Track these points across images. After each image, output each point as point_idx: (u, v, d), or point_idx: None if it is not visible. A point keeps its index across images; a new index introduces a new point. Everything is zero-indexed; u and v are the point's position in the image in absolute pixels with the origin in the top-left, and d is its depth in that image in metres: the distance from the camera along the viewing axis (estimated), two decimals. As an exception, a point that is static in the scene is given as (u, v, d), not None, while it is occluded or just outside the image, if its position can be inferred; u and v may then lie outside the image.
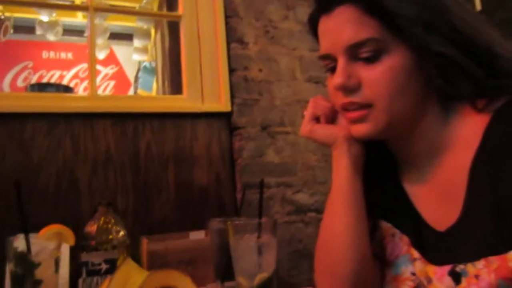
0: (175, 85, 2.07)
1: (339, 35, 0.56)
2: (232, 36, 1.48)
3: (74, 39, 3.23)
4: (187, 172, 1.36)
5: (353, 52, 0.55)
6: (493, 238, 0.49)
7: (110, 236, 0.97)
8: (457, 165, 0.55)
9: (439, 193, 0.58)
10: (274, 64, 1.52)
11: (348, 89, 0.56)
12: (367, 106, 0.55)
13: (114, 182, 1.27)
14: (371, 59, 0.54)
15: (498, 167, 0.49)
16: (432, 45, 0.52)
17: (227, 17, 1.49)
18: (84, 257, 0.91)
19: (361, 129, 0.57)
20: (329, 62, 0.60)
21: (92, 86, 1.37)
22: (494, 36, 0.56)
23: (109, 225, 0.99)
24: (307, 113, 0.67)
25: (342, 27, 0.56)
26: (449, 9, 0.55)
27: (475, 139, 0.53)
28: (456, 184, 0.54)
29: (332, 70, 0.59)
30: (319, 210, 1.47)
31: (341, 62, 0.56)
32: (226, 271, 0.74)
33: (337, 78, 0.56)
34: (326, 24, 0.59)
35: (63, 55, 3.41)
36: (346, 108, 0.58)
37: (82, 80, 3.41)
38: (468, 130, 0.55)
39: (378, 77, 0.54)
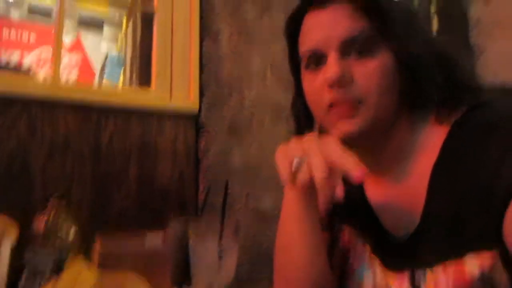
0: (143, 78, 2.01)
1: (334, 29, 0.56)
2: (206, 33, 1.45)
3: (39, 20, 3.07)
4: (150, 168, 1.32)
5: (346, 47, 0.55)
6: (451, 244, 0.50)
7: (60, 233, 0.91)
8: (419, 173, 0.56)
9: (401, 201, 0.59)
10: (246, 64, 1.51)
11: (342, 82, 0.54)
12: (358, 102, 0.55)
13: (71, 170, 1.20)
14: (364, 54, 0.55)
15: (455, 175, 0.51)
16: (410, 47, 0.55)
17: (202, 13, 1.46)
18: (28, 255, 0.81)
19: (350, 125, 0.56)
20: (314, 57, 0.58)
21: (56, 72, 1.30)
22: (456, 53, 0.60)
23: (60, 220, 0.93)
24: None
25: (338, 22, 0.56)
26: (419, 21, 0.60)
27: (436, 148, 0.55)
28: (417, 191, 0.56)
29: (316, 65, 0.58)
30: (282, 215, 1.46)
31: (334, 56, 0.55)
32: (184, 276, 0.71)
33: (333, 71, 0.54)
34: (319, 18, 0.58)
35: (25, 36, 3.23)
36: (334, 105, 0.56)
37: (43, 64, 3.24)
38: (431, 139, 0.57)
39: (371, 73, 0.54)
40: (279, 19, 1.60)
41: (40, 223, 0.90)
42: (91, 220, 1.19)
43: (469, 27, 2.98)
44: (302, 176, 0.50)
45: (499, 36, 2.76)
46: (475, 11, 2.93)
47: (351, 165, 0.46)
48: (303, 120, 0.68)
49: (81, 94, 1.29)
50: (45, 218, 0.91)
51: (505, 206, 0.44)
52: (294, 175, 0.50)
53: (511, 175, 0.44)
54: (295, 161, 0.50)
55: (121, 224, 1.23)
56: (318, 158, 0.48)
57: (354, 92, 0.55)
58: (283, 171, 0.51)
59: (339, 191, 0.70)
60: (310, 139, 0.52)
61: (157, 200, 1.31)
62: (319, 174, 0.47)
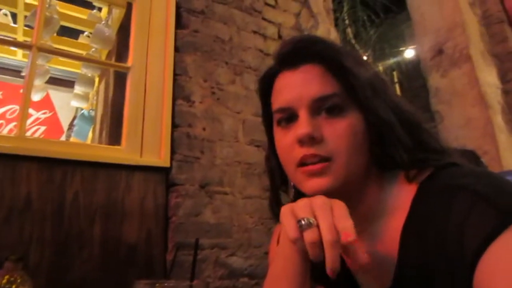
0: (113, 136, 2.00)
1: (305, 89, 0.59)
2: (179, 93, 1.49)
3: (7, 78, 3.05)
4: (116, 227, 1.26)
5: (317, 106, 0.58)
6: None
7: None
8: (390, 233, 0.57)
9: (375, 259, 0.59)
10: (218, 124, 1.54)
11: (312, 140, 0.56)
12: (327, 159, 0.56)
13: (29, 233, 1.13)
14: (334, 114, 0.58)
15: (424, 235, 0.52)
16: (378, 110, 0.57)
17: (176, 74, 1.51)
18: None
19: (321, 183, 0.57)
20: (285, 115, 0.61)
21: (21, 127, 1.28)
22: (420, 115, 0.63)
23: (15, 286, 0.86)
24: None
25: (309, 82, 0.59)
26: (388, 86, 0.62)
27: (405, 207, 0.56)
28: (389, 250, 0.56)
29: (287, 122, 0.61)
30: (253, 275, 1.42)
31: (305, 114, 0.58)
32: None
33: (304, 128, 0.56)
34: (291, 78, 0.61)
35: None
36: (304, 162, 0.58)
37: (8, 121, 3.17)
38: (400, 199, 0.58)
39: (340, 132, 0.57)
40: (250, 83, 1.68)
41: (-6, 286, 0.83)
42: (49, 285, 1.11)
43: (429, 96, 3.23)
44: (310, 236, 0.49)
45: (457, 104, 3.00)
46: (434, 82, 3.20)
47: (351, 229, 0.47)
48: (277, 176, 0.68)
49: (46, 148, 1.26)
50: None
51: (473, 268, 0.45)
52: (300, 233, 0.50)
53: (474, 237, 0.46)
54: (304, 220, 0.50)
55: (81, 289, 1.15)
56: (329, 221, 0.48)
57: (324, 150, 0.56)
58: (290, 228, 0.50)
59: None
60: (321, 201, 0.51)
61: (122, 261, 1.25)
62: (329, 237, 0.47)
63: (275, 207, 0.70)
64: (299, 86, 0.60)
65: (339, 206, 0.51)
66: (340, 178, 0.57)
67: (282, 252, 0.57)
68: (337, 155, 0.56)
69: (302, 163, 0.58)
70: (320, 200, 0.51)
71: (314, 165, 0.57)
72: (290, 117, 0.60)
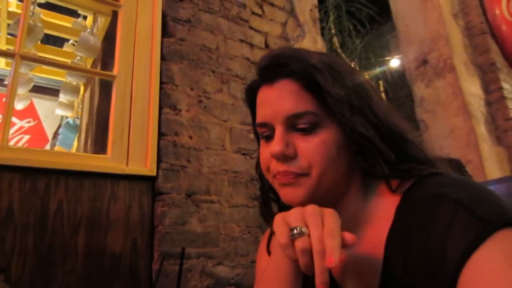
0: (98, 145, 1.98)
1: (280, 105, 0.59)
2: (166, 102, 1.49)
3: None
4: (101, 237, 1.24)
5: (291, 122, 0.59)
6: None
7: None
8: (374, 241, 0.58)
9: (360, 269, 0.59)
10: (204, 133, 1.54)
11: (285, 157, 0.58)
12: (302, 175, 0.58)
13: (11, 244, 1.11)
14: (308, 131, 0.58)
15: (408, 245, 0.53)
16: (356, 125, 0.57)
17: (162, 83, 1.50)
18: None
19: (292, 193, 0.59)
20: (266, 130, 0.62)
21: (4, 137, 1.25)
22: (405, 125, 0.64)
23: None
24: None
25: (284, 98, 0.59)
26: (371, 98, 0.61)
27: (389, 218, 0.57)
28: (373, 259, 0.57)
29: (267, 137, 0.62)
30: (239, 285, 1.41)
31: (280, 131, 0.59)
32: None
33: (276, 146, 0.58)
34: (268, 94, 0.62)
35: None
36: (277, 175, 0.60)
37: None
38: (384, 208, 0.59)
39: (313, 148, 0.57)
40: (237, 92, 1.69)
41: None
42: (30, 297, 1.08)
43: (414, 105, 3.29)
44: (301, 244, 0.49)
45: (441, 114, 3.05)
46: (419, 91, 3.26)
47: (336, 252, 0.47)
48: (266, 181, 0.70)
49: (29, 157, 1.24)
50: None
51: (455, 278, 0.45)
52: (292, 242, 0.50)
53: (456, 247, 0.46)
54: (296, 229, 0.50)
55: (64, 301, 1.12)
56: (319, 232, 0.49)
57: (296, 167, 0.58)
58: (281, 236, 0.51)
59: None
60: (312, 210, 0.52)
61: (107, 272, 1.22)
62: (319, 248, 0.48)
63: (265, 211, 0.72)
64: (274, 102, 0.60)
65: (330, 217, 0.51)
66: (313, 190, 0.58)
67: (274, 261, 0.58)
68: (311, 169, 0.58)
69: (276, 175, 0.61)
70: (311, 209, 0.52)
71: (287, 178, 0.59)
72: (269, 131, 0.62)
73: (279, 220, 0.53)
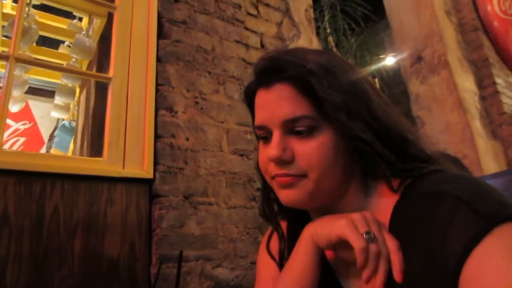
0: (94, 147, 1.96)
1: (277, 109, 0.59)
2: (162, 104, 1.48)
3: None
4: (98, 241, 1.23)
5: (288, 126, 0.59)
6: None
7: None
8: None
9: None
10: (201, 134, 1.53)
11: (282, 161, 0.58)
12: (301, 177, 0.58)
13: (6, 249, 1.10)
14: (305, 134, 0.58)
15: (406, 243, 0.53)
16: (354, 130, 0.57)
17: (158, 84, 1.50)
18: None
19: (290, 194, 0.59)
20: (264, 132, 0.63)
21: (-2, 140, 1.24)
22: (405, 123, 0.64)
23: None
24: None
25: (280, 103, 0.59)
26: (370, 99, 0.61)
27: (387, 215, 0.57)
28: None
29: (265, 139, 0.62)
30: (239, 286, 1.40)
31: (277, 135, 0.59)
32: None
33: (273, 150, 0.58)
34: (265, 98, 0.62)
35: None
36: (275, 177, 0.60)
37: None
38: (383, 208, 0.59)
39: (311, 151, 0.57)
40: (234, 93, 1.68)
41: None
42: (27, 302, 1.07)
43: (410, 102, 3.30)
44: (376, 249, 0.53)
45: (436, 110, 3.06)
46: (414, 88, 3.27)
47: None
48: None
49: (24, 161, 1.23)
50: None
51: (457, 273, 0.45)
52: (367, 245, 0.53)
53: (457, 243, 0.46)
54: (368, 234, 0.54)
55: (61, 306, 1.11)
56: (383, 238, 0.54)
57: (295, 170, 0.58)
58: (358, 240, 0.53)
59: None
60: (371, 217, 0.56)
61: (104, 277, 1.21)
62: (395, 257, 0.53)
63: (267, 210, 0.73)
64: (271, 106, 0.60)
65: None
66: (311, 192, 0.58)
67: (300, 265, 0.60)
68: (309, 172, 0.58)
69: (274, 177, 0.61)
70: (369, 215, 0.56)
71: (284, 180, 0.59)
72: (267, 134, 0.62)
73: (350, 225, 0.55)
